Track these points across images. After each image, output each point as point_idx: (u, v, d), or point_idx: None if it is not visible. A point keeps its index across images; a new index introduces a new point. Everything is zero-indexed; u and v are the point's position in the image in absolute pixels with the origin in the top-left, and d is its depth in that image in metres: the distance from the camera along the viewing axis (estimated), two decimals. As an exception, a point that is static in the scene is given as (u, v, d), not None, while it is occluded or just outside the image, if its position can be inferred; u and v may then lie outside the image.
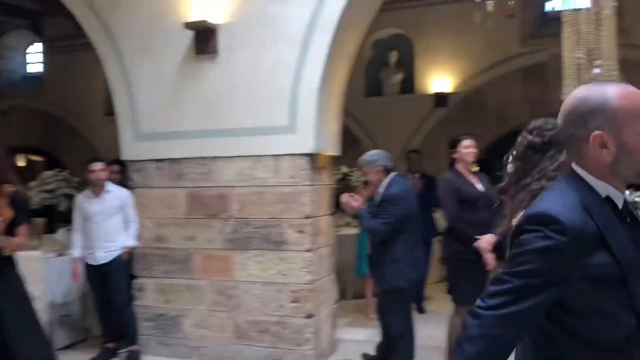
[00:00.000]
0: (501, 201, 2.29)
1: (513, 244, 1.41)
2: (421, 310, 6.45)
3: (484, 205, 4.34)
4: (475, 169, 4.55)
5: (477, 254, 4.22)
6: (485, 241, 4.14)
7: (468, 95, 9.93)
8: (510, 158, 2.23)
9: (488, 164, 14.60)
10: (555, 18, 5.92)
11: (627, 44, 8.81)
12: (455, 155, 4.39)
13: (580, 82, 4.06)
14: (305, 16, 4.57)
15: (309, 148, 4.60)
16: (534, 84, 9.45)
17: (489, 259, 4.16)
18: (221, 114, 4.84)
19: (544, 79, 9.25)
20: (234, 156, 4.80)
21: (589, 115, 1.39)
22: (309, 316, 4.61)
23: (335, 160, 5.57)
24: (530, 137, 2.21)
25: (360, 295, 6.94)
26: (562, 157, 2.04)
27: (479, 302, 1.40)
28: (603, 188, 1.41)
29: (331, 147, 4.97)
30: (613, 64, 4.00)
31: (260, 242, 4.74)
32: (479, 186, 4.36)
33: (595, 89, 1.43)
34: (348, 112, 10.51)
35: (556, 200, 1.39)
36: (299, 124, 4.62)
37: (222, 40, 4.81)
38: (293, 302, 4.65)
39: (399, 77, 10.26)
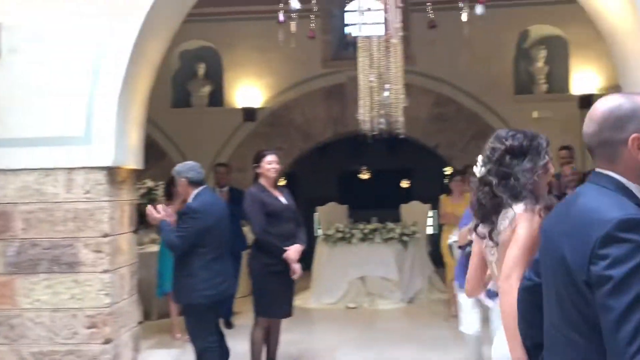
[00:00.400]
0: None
1: (597, 255, 1.27)
2: (229, 325, 6.40)
3: (288, 218, 4.52)
4: (282, 182, 4.71)
5: (285, 265, 4.37)
6: (294, 251, 4.34)
7: (275, 111, 10.21)
8: (481, 162, 2.35)
9: (294, 177, 15.24)
10: (353, 42, 6.38)
11: (413, 71, 9.86)
12: (259, 170, 4.49)
13: (372, 103, 4.46)
14: (103, 18, 4.30)
15: (107, 161, 4.29)
16: (336, 103, 10.06)
17: (297, 268, 4.35)
18: (3, 122, 4.31)
19: (343, 98, 9.90)
20: (17, 169, 4.29)
21: (625, 119, 1.42)
22: (107, 341, 4.28)
23: (139, 174, 5.31)
24: (509, 143, 2.30)
25: (165, 315, 6.66)
26: (530, 164, 2.25)
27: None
28: (638, 190, 1.43)
29: (133, 160, 4.70)
30: (400, 88, 4.42)
31: (50, 264, 4.29)
32: (282, 199, 4.51)
33: (624, 96, 1.54)
34: (154, 124, 10.16)
35: (620, 204, 1.33)
36: (95, 134, 4.30)
37: (5, 41, 4.30)
38: (89, 327, 4.28)
39: (207, 89, 10.17)
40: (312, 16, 5.80)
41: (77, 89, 4.31)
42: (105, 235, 4.30)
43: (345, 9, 10.08)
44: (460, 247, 3.89)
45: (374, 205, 11.56)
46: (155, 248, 7.07)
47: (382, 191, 13.93)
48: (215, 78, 10.25)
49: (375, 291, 7.88)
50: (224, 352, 4.35)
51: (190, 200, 4.26)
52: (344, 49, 10.01)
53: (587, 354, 1.34)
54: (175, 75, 10.31)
